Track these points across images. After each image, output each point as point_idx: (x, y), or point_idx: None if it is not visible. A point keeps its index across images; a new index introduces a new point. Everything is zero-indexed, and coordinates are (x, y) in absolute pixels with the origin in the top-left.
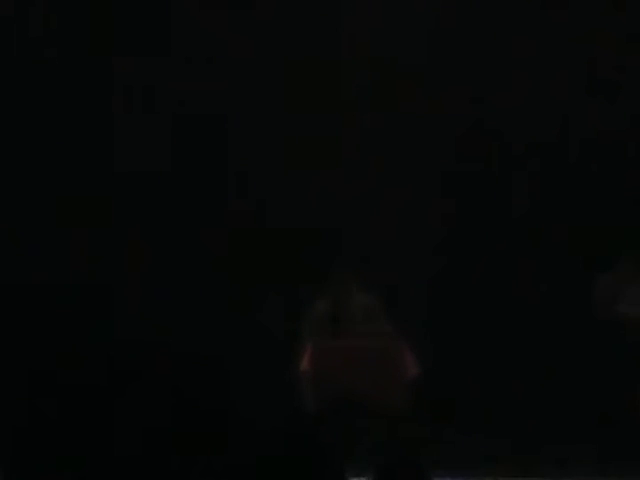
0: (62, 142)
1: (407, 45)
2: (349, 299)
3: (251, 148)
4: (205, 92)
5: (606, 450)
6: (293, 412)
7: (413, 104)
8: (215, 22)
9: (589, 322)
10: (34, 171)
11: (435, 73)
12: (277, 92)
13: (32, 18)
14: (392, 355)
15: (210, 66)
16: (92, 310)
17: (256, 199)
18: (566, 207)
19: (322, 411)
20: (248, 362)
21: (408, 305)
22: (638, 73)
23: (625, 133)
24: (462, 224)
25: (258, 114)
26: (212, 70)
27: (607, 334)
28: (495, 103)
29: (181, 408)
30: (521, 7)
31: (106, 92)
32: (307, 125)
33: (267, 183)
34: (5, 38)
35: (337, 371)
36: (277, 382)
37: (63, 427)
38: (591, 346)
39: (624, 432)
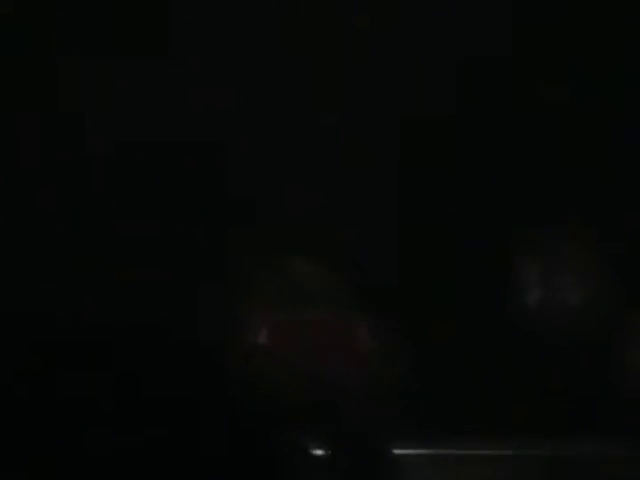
0: None
1: None
2: (311, 274)
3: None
4: None
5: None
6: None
7: None
8: None
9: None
10: None
11: None
12: None
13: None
14: (352, 328)
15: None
16: None
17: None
18: None
19: (281, 384)
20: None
21: (369, 278)
22: None
23: None
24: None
25: None
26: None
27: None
28: None
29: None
30: None
31: None
32: None
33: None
34: None
35: (297, 344)
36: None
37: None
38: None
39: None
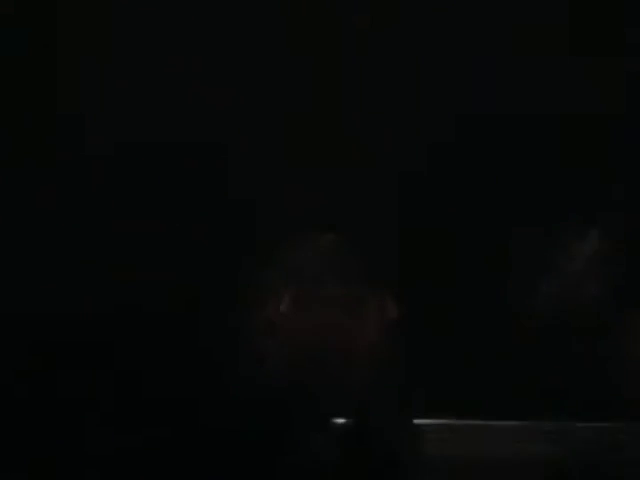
0: None
1: None
2: (328, 254)
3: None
4: None
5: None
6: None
7: None
8: None
9: None
10: None
11: None
12: None
13: None
14: (369, 302)
15: None
16: None
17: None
18: None
19: (301, 356)
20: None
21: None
22: None
23: None
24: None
25: None
26: None
27: None
28: None
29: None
30: None
31: None
32: None
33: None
34: None
35: (319, 317)
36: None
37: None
38: None
39: None
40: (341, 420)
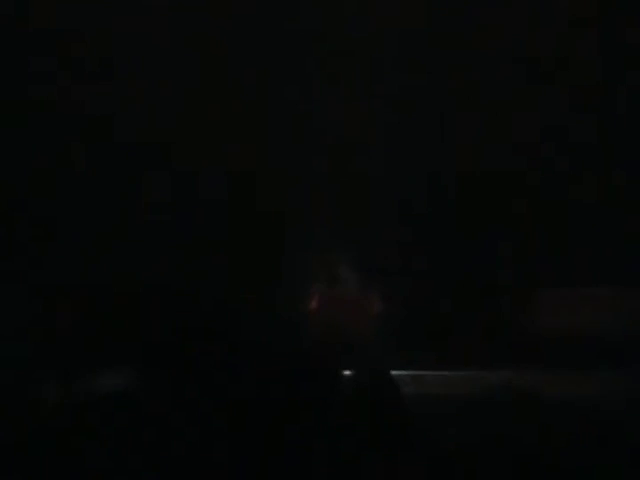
0: None
1: None
2: (339, 268)
3: None
4: None
5: None
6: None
7: None
8: None
9: None
10: None
11: None
12: None
13: None
14: (365, 300)
15: None
16: None
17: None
18: None
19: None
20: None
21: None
22: None
23: None
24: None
25: None
26: None
27: None
28: None
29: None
30: None
31: None
32: None
33: None
34: None
35: (331, 310)
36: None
37: None
38: None
39: None
40: (348, 371)
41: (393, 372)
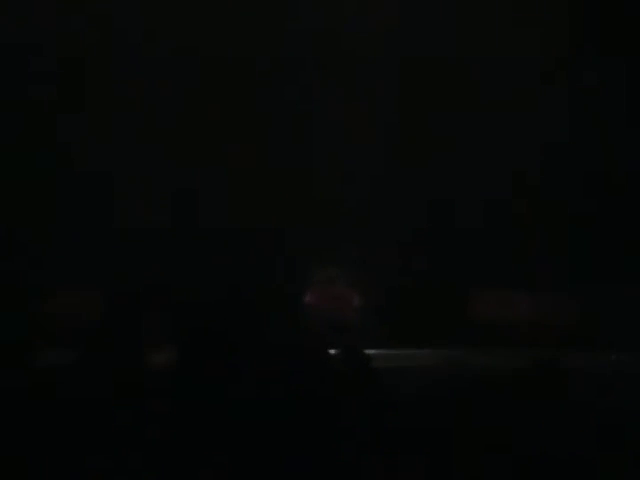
0: None
1: None
2: (333, 271)
3: None
4: None
5: None
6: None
7: None
8: None
9: None
10: None
11: None
12: None
13: None
14: (350, 295)
15: None
16: None
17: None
18: None
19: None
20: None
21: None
22: None
23: None
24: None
25: None
26: None
27: None
28: None
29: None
30: None
31: None
32: None
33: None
34: None
35: (325, 302)
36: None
37: None
38: None
39: None
40: (336, 350)
41: (369, 350)
